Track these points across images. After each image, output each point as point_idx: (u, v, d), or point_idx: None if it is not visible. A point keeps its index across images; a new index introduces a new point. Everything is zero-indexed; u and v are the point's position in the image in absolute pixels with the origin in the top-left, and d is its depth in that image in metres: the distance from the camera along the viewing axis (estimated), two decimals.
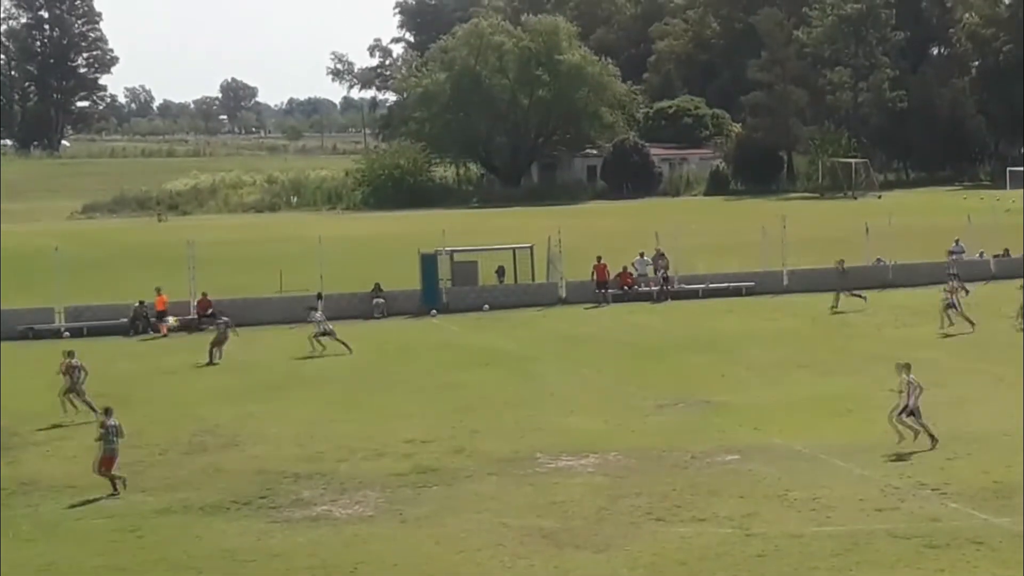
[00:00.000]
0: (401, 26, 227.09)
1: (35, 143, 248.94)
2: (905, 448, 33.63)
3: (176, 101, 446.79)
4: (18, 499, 32.18)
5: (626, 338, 54.20)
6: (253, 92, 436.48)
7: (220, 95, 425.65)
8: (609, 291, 64.52)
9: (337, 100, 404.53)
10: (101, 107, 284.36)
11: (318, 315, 53.13)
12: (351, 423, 39.33)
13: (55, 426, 40.21)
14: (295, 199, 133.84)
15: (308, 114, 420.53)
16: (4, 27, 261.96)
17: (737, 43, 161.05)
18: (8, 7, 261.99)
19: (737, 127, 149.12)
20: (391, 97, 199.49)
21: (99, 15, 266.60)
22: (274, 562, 27.06)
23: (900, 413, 34.18)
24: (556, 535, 27.92)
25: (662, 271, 65.75)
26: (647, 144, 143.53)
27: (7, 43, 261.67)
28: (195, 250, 63.78)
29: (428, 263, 64.48)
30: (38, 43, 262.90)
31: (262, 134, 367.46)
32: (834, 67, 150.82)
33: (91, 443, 36.58)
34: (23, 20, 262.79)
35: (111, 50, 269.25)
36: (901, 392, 34.36)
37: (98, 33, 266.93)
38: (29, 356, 52.95)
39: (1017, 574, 24.93)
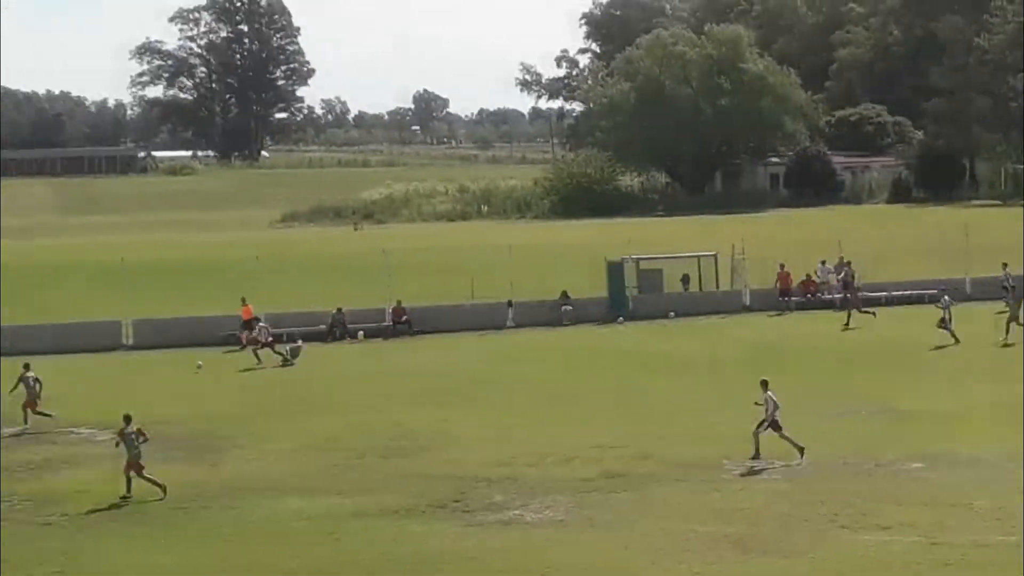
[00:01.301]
0: (587, 37, 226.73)
1: (235, 154, 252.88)
2: None
3: (371, 112, 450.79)
4: (220, 500, 32.68)
5: (809, 345, 53.72)
6: (445, 103, 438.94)
7: (413, 106, 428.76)
8: (792, 299, 63.98)
9: (526, 110, 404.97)
10: (299, 118, 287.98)
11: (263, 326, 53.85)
12: (541, 428, 39.42)
13: (256, 429, 40.80)
14: (486, 208, 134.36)
15: (498, 124, 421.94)
16: (205, 41, 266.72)
17: (918, 50, 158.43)
18: (209, 21, 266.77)
19: (919, 134, 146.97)
20: (578, 107, 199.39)
21: (297, 29, 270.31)
22: (467, 565, 27.21)
23: None
24: (743, 541, 27.76)
25: (843, 276, 64.73)
26: (829, 152, 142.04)
27: (209, 56, 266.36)
28: (390, 258, 64.43)
29: (615, 271, 64.47)
30: (238, 56, 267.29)
31: (453, 144, 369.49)
32: (1016, 73, 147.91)
33: (294, 447, 37.37)
34: (224, 34, 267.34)
35: (308, 62, 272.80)
36: None
37: (296, 46, 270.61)
38: (230, 362, 53.73)
39: None
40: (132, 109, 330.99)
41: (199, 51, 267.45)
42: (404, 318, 59.92)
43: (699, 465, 34.11)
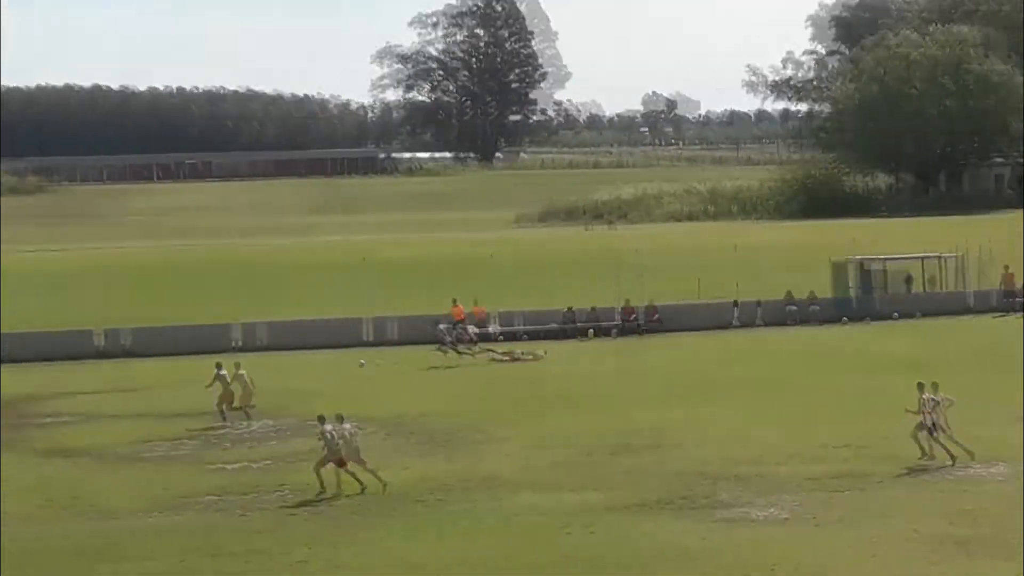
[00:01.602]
0: (813, 39, 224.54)
1: (472, 155, 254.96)
2: None
3: (601, 115, 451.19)
4: (463, 494, 33.00)
5: None
6: (673, 105, 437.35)
7: (642, 108, 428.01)
8: (1017, 300, 62.61)
9: (752, 112, 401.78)
10: (532, 121, 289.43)
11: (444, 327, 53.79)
12: (767, 427, 39.14)
13: (488, 426, 41.10)
14: (712, 208, 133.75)
15: (724, 126, 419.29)
16: (444, 45, 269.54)
17: None
18: (448, 26, 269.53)
19: None
20: (803, 108, 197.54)
21: (531, 33, 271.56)
22: (692, 562, 27.10)
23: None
24: (968, 543, 27.25)
25: None
26: None
27: (447, 60, 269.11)
28: (619, 258, 64.47)
29: (839, 272, 63.78)
30: (475, 60, 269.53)
31: (681, 145, 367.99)
32: None
33: (527, 443, 37.62)
34: (461, 38, 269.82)
35: (541, 66, 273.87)
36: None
37: (529, 50, 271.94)
38: (468, 358, 54.14)
39: None
40: (374, 112, 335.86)
41: (438, 55, 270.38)
42: (633, 317, 59.94)
43: (923, 465, 33.59)
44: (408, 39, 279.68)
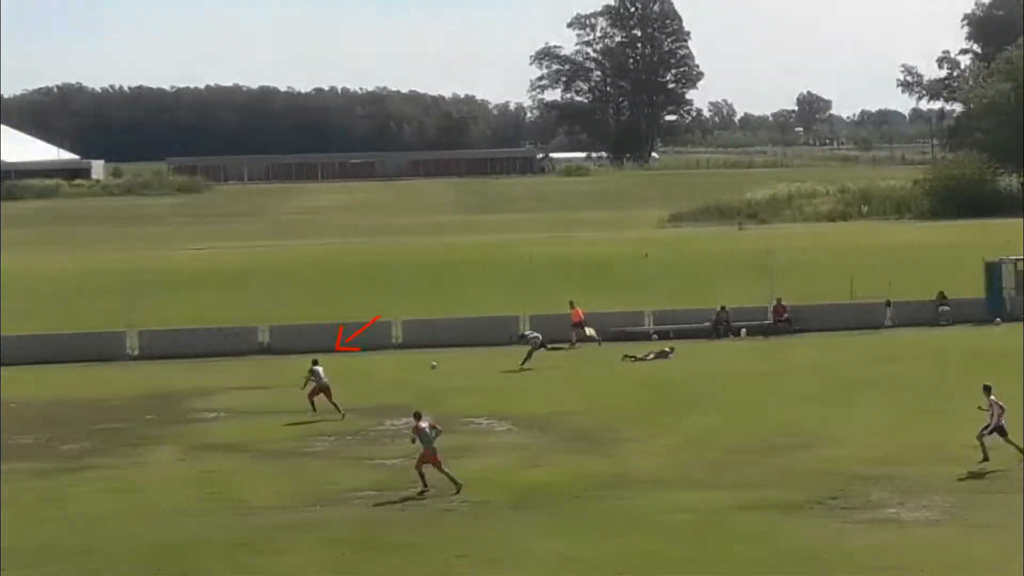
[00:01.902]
0: (968, 38, 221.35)
1: (627, 155, 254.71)
2: None
3: (756, 114, 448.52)
4: (612, 492, 32.97)
5: None
6: (827, 105, 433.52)
7: (796, 108, 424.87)
8: None
9: (906, 111, 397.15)
10: (687, 121, 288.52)
11: (532, 334, 52.77)
12: (918, 427, 38.64)
13: (635, 424, 41.01)
14: (865, 208, 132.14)
15: (878, 125, 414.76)
16: (601, 45, 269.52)
17: None
18: (605, 27, 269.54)
19: None
20: (958, 108, 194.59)
21: (687, 33, 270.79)
22: (844, 562, 26.88)
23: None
24: None
25: None
26: None
27: (604, 60, 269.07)
28: (771, 257, 64.02)
29: (993, 272, 62.69)
30: (631, 60, 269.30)
31: (835, 145, 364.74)
32: None
33: (680, 441, 37.50)
34: (618, 39, 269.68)
35: (697, 66, 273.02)
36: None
37: (686, 51, 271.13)
38: (615, 356, 53.95)
39: None
40: (531, 112, 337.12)
41: (595, 55, 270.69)
42: (785, 316, 59.46)
43: None
44: (567, 40, 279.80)
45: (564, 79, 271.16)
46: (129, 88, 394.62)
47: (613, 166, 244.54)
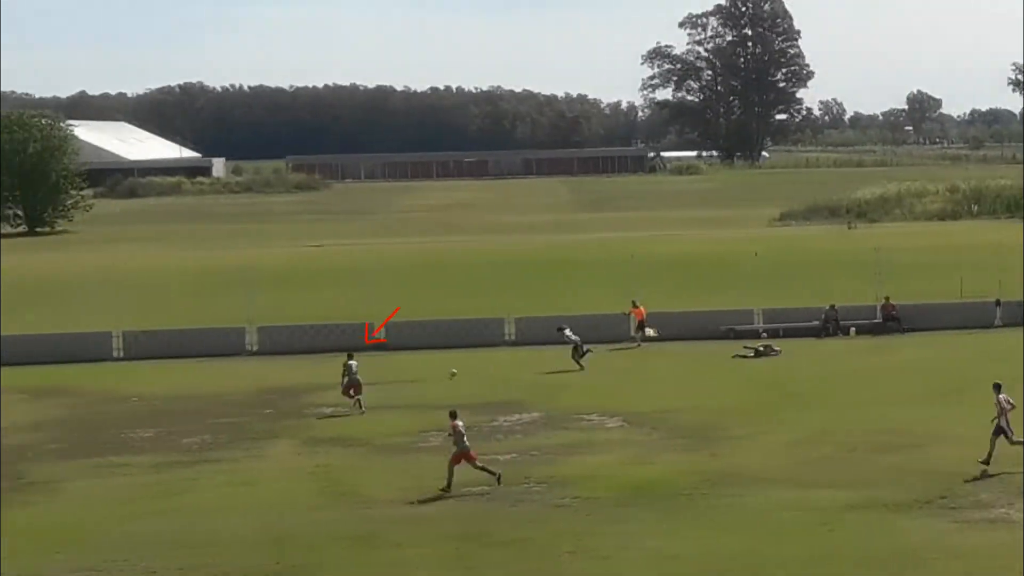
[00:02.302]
0: None
1: (737, 154, 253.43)
2: None
3: (866, 113, 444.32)
4: (720, 489, 32.82)
5: None
6: (937, 104, 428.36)
7: (906, 107, 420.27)
8: None
9: (1017, 110, 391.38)
10: (797, 120, 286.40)
11: (569, 334, 51.79)
12: None
13: (742, 421, 40.73)
14: (975, 207, 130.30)
15: (989, 124, 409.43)
16: (712, 45, 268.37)
17: None
18: (716, 26, 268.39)
19: None
20: None
21: (798, 32, 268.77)
22: (953, 562, 26.59)
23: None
24: None
25: None
26: None
27: (714, 60, 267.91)
28: (881, 256, 63.39)
29: None
30: (742, 60, 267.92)
31: (945, 144, 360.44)
32: None
33: (788, 439, 37.27)
34: (729, 38, 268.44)
35: (807, 65, 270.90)
36: None
37: (796, 49, 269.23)
38: (725, 354, 53.67)
39: None
40: (643, 111, 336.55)
41: (706, 55, 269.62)
42: (894, 315, 58.81)
43: None
44: (678, 40, 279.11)
45: (675, 78, 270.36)
46: (249, 87, 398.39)
47: (723, 165, 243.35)
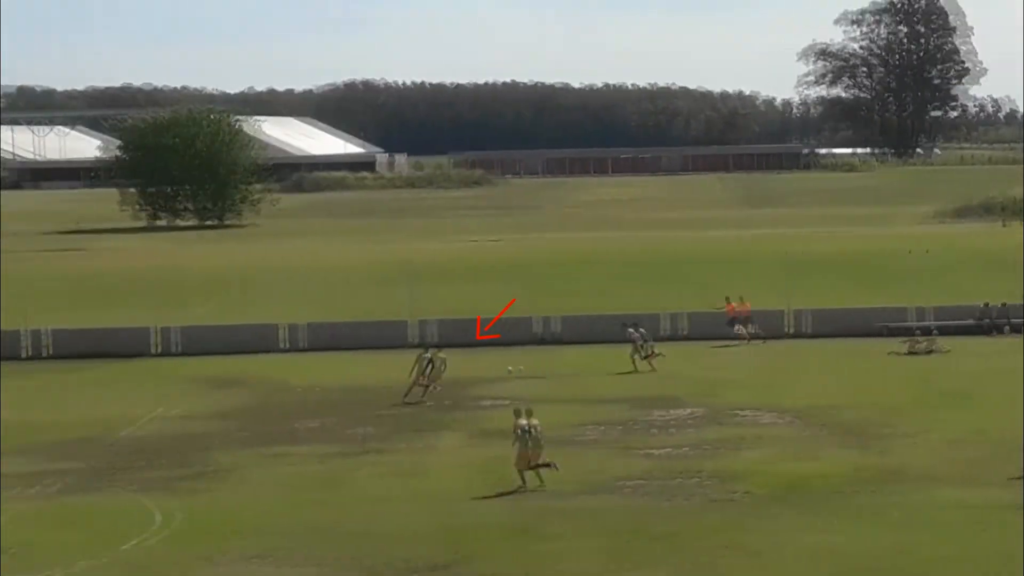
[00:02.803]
0: None
1: (895, 151, 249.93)
2: None
3: (1017, 111, 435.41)
4: (878, 487, 32.31)
5: None
6: None
7: None
8: None
9: None
10: (956, 117, 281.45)
11: (636, 334, 50.55)
12: None
13: (899, 419, 40.03)
14: None
15: None
16: (867, 41, 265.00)
17: None
18: (874, 23, 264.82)
19: None
20: None
21: (952, 29, 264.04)
22: None
23: None
24: None
25: None
26: None
27: (870, 57, 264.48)
28: None
29: None
30: (898, 56, 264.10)
31: None
32: None
33: (951, 437, 36.57)
34: (885, 35, 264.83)
35: (962, 62, 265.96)
36: None
37: (951, 46, 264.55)
38: (880, 351, 52.85)
39: None
40: (798, 108, 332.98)
41: (863, 52, 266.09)
42: None
43: None
44: (834, 36, 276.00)
45: (832, 75, 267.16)
46: (422, 83, 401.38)
47: (880, 162, 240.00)
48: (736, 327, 56.23)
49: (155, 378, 50.18)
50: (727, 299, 57.27)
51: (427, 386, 44.72)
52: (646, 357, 49.76)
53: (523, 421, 33.51)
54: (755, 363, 50.62)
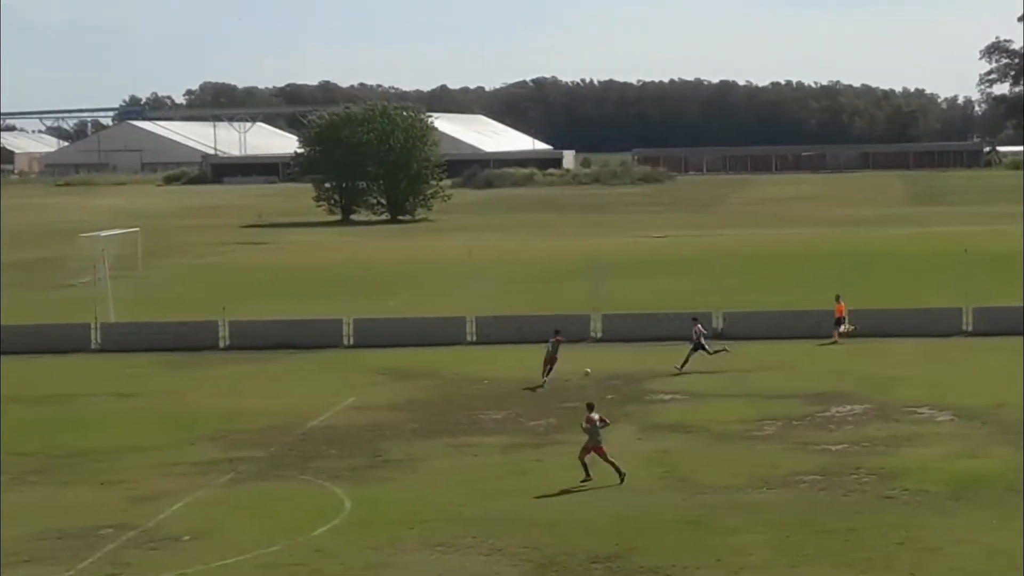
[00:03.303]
0: None
1: None
2: None
3: None
4: None
5: None
6: None
7: None
8: None
9: None
10: None
11: (699, 328, 49.41)
12: None
13: None
14: None
15: None
16: None
17: None
18: None
19: None
20: None
21: None
22: None
23: None
24: None
25: None
26: None
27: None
28: None
29: None
30: None
31: None
32: None
33: None
34: None
35: None
36: None
37: None
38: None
39: None
40: (979, 106, 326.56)
41: None
42: None
43: None
44: (1017, 34, 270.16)
45: (1013, 73, 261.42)
46: (599, 82, 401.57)
47: None
48: (841, 327, 55.07)
49: (346, 369, 50.86)
50: (837, 298, 56.05)
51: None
52: (713, 353, 48.86)
53: (595, 415, 33.58)
54: (927, 360, 49.75)
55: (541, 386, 45.88)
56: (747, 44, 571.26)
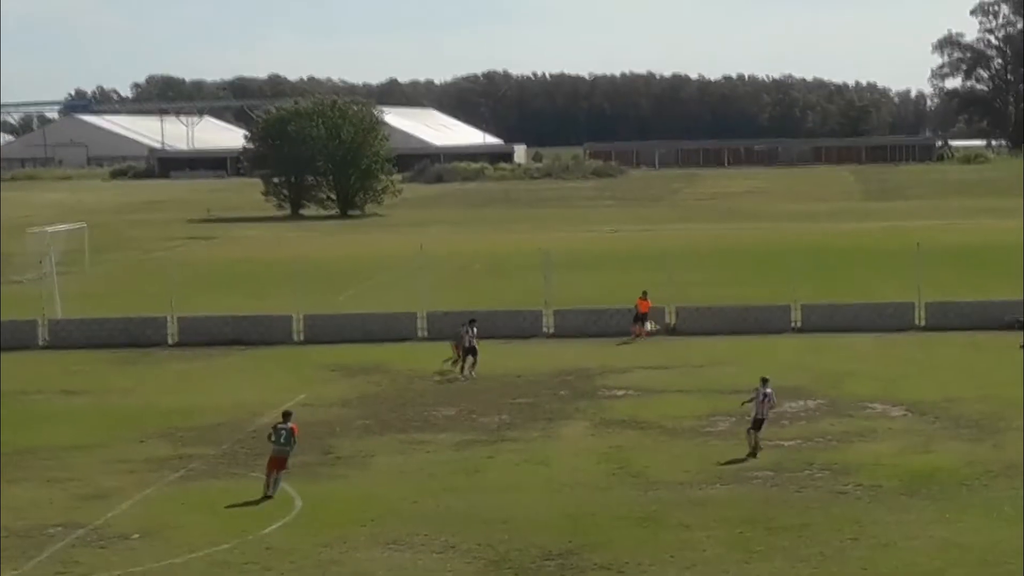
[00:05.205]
0: None
1: None
2: None
3: None
4: (1005, 482, 31.98)
5: None
6: None
7: None
8: None
9: None
10: None
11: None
12: None
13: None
14: None
15: None
16: (1003, 33, 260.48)
17: None
18: (1007, 14, 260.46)
19: None
20: None
21: None
22: None
23: None
24: None
25: None
26: None
27: (1005, 48, 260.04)
28: None
29: None
30: None
31: None
32: None
33: None
34: (1020, 25, 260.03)
35: None
36: None
37: None
38: (1010, 345, 51.85)
39: None
40: (932, 100, 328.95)
41: (997, 43, 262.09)
42: None
43: None
44: (970, 28, 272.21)
45: (966, 67, 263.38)
46: (550, 75, 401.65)
47: (1012, 154, 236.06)
48: (642, 324, 55.17)
49: (297, 365, 50.77)
50: (644, 295, 56.28)
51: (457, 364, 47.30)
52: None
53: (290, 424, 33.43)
54: (880, 355, 50.08)
55: (461, 376, 46.75)
56: (699, 37, 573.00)
